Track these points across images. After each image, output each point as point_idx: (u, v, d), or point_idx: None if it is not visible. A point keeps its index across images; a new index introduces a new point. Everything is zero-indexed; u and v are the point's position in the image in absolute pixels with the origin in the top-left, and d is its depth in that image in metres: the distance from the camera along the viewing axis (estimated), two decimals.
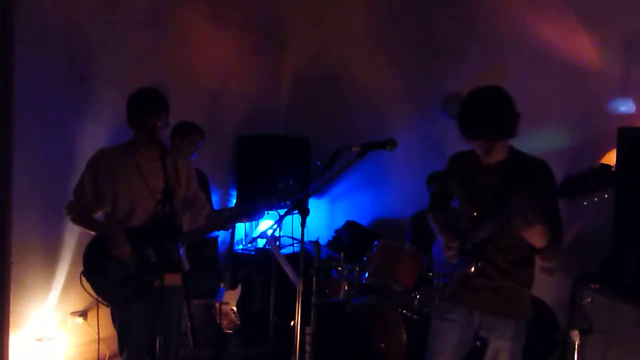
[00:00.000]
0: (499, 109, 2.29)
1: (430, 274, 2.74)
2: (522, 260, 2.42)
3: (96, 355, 4.13)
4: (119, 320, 2.80)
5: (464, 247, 2.44)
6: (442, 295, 2.60)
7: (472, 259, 2.41)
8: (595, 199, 1.96)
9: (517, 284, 2.42)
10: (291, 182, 2.78)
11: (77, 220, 2.82)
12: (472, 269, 2.41)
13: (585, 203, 1.97)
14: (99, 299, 2.74)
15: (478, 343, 2.57)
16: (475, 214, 2.40)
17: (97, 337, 4.11)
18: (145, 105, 2.71)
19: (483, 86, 2.36)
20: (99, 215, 2.86)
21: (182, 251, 2.83)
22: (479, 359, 2.53)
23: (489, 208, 2.34)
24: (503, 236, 2.31)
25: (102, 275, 2.69)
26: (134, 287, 2.68)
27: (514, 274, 2.41)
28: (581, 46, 3.99)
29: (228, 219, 3.18)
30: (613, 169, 1.94)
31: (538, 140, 3.86)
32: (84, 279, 2.72)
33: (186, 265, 2.97)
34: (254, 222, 3.06)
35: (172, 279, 2.60)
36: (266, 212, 2.94)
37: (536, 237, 2.20)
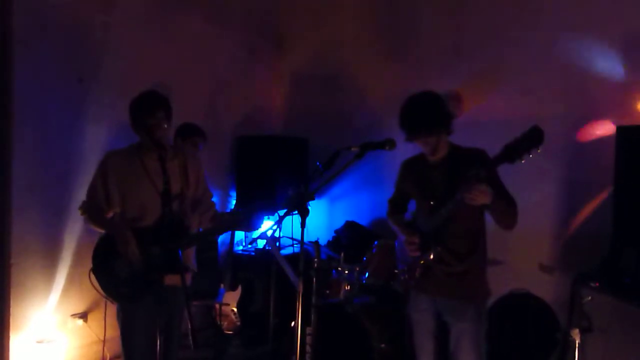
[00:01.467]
0: (431, 108, 2.61)
1: (396, 271, 2.98)
2: (475, 246, 2.69)
3: (96, 357, 4.14)
4: (122, 319, 2.81)
5: (424, 238, 2.70)
6: (409, 287, 2.87)
7: (431, 246, 2.67)
8: (530, 156, 2.26)
9: (472, 267, 2.67)
10: (293, 196, 2.78)
11: (90, 220, 2.86)
12: (432, 256, 2.68)
13: (522, 161, 2.28)
14: (105, 295, 2.77)
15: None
16: (431, 203, 2.67)
17: (97, 338, 4.13)
18: (142, 108, 2.74)
19: (417, 92, 2.67)
20: (110, 215, 2.88)
21: (185, 252, 2.85)
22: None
23: (441, 197, 2.60)
24: (457, 222, 2.61)
25: (108, 273, 2.73)
26: (139, 286, 2.70)
27: (469, 258, 2.67)
28: (580, 45, 4.00)
29: (230, 224, 3.17)
30: (540, 128, 2.26)
31: None
32: (92, 277, 2.76)
33: (193, 267, 2.98)
34: (254, 229, 3.06)
35: (173, 280, 2.62)
36: (265, 218, 2.95)
37: (481, 196, 2.42)
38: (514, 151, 2.28)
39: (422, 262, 2.73)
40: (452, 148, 2.74)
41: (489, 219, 2.69)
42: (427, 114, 2.60)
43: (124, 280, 2.71)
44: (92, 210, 2.84)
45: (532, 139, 2.25)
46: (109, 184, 2.79)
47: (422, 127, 2.59)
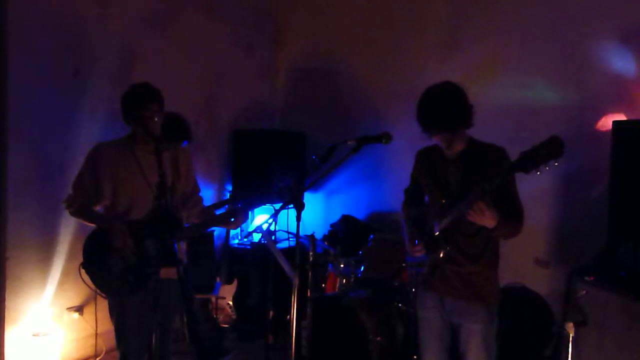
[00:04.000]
0: (453, 102, 2.46)
1: (404, 264, 2.82)
2: (487, 246, 2.56)
3: (92, 350, 4.14)
4: (116, 314, 2.79)
5: (432, 235, 2.59)
6: (416, 284, 2.77)
7: (441, 245, 2.57)
8: (547, 168, 2.11)
9: (484, 268, 2.56)
10: (291, 182, 2.78)
11: (76, 214, 2.82)
12: (442, 255, 2.56)
13: (538, 173, 2.13)
14: (98, 291, 2.75)
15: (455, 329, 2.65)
16: (443, 201, 2.54)
17: (93, 331, 4.12)
18: (136, 100, 2.72)
19: (437, 83, 2.51)
20: (98, 208, 2.85)
21: (179, 245, 2.82)
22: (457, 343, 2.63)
23: (454, 195, 2.50)
24: (468, 222, 2.45)
25: (101, 267, 2.70)
26: (132, 280, 2.69)
27: (480, 258, 2.55)
28: (578, 37, 4.00)
29: (219, 220, 3.09)
30: (561, 139, 2.09)
31: (532, 131, 3.88)
32: (82, 271, 2.73)
33: (184, 259, 2.96)
34: (246, 222, 3.02)
35: (168, 272, 2.61)
36: (252, 210, 2.92)
37: (483, 219, 2.36)
38: (530, 160, 2.13)
39: (430, 260, 2.62)
40: (471, 143, 2.59)
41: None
42: (443, 109, 2.44)
43: (117, 274, 2.69)
44: (79, 203, 2.80)
45: (551, 149, 2.09)
46: (99, 176, 2.75)
47: (437, 123, 2.46)
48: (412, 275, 2.79)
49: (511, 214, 2.47)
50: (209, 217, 3.05)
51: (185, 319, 3.95)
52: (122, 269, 2.69)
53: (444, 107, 2.44)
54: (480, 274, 2.55)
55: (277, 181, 4.96)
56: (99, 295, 2.79)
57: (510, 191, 2.49)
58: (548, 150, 2.09)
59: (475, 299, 2.53)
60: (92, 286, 2.74)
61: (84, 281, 2.72)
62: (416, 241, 2.69)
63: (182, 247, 2.95)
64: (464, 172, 2.52)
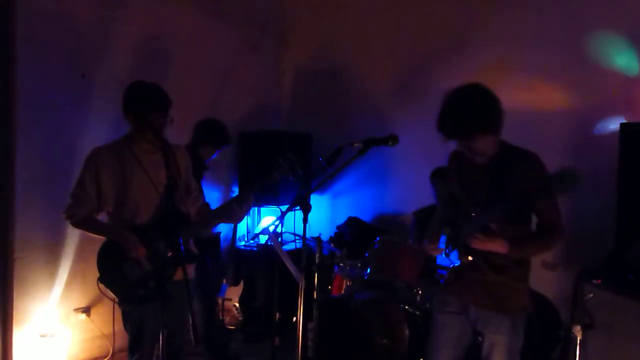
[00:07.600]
0: (472, 107, 2.27)
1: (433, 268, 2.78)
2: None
3: (99, 350, 4.16)
4: (133, 322, 2.74)
5: (459, 240, 2.47)
6: (440, 287, 2.69)
7: (469, 250, 2.44)
8: None
9: (511, 279, 2.45)
10: (290, 155, 2.75)
11: (79, 224, 2.73)
12: (470, 258, 2.44)
13: None
14: (120, 301, 2.70)
15: (480, 338, 2.58)
16: (470, 208, 2.41)
17: (100, 333, 4.14)
18: (152, 105, 2.66)
19: (461, 85, 2.35)
20: (100, 216, 2.80)
21: (187, 244, 2.79)
22: (478, 353, 2.56)
23: (481, 204, 2.35)
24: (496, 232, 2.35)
25: (120, 279, 2.63)
26: (153, 284, 2.64)
27: (508, 269, 2.43)
28: (585, 40, 3.98)
29: (218, 214, 2.97)
30: (577, 172, 1.98)
31: (540, 134, 3.87)
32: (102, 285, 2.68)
33: (196, 251, 2.93)
34: (247, 214, 2.94)
35: (182, 274, 2.58)
36: (254, 198, 2.86)
37: (492, 248, 2.33)
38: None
39: (453, 267, 2.55)
40: (503, 147, 2.42)
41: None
42: (455, 115, 2.28)
43: (137, 282, 2.63)
44: (82, 214, 2.70)
45: (566, 181, 1.99)
46: (101, 182, 2.68)
47: (448, 129, 2.30)
48: (437, 279, 2.72)
49: (543, 228, 2.41)
50: (211, 211, 2.98)
51: (191, 321, 3.94)
52: (140, 276, 2.63)
53: (457, 113, 2.28)
54: (505, 284, 2.44)
55: (285, 184, 4.95)
56: (121, 305, 2.74)
57: (546, 202, 2.35)
58: (562, 183, 2.01)
59: (498, 310, 2.44)
60: (115, 297, 2.69)
61: (105, 295, 2.66)
62: (442, 243, 2.59)
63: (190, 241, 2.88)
64: (493, 180, 2.38)
